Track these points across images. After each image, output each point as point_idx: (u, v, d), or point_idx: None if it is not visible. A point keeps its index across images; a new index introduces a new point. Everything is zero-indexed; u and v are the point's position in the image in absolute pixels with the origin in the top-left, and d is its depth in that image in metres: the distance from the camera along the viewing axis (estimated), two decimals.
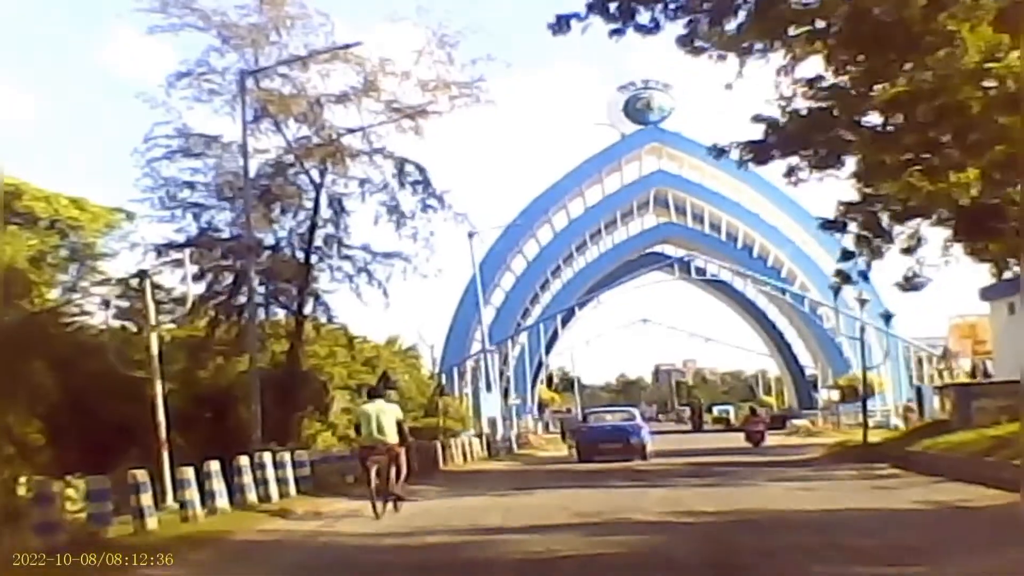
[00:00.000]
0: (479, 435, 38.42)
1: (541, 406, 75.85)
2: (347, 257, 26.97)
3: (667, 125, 75.86)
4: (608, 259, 76.14)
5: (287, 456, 17.46)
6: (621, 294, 74.40)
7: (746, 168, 23.58)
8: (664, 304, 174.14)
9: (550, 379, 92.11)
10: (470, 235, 44.75)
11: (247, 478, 15.47)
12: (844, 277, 27.20)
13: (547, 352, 78.04)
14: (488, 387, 45.00)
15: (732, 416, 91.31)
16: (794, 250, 70.26)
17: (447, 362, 58.44)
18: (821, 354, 70.08)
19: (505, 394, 56.84)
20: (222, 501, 14.33)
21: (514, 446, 41.18)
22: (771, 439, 40.26)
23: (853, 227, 23.12)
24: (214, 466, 14.28)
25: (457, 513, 14.00)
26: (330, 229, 26.64)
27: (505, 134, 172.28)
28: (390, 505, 13.98)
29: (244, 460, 15.68)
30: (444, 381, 57.10)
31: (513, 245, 75.20)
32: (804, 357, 78.82)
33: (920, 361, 61.42)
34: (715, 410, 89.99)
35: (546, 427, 69.02)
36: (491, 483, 20.90)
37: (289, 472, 17.10)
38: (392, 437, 13.80)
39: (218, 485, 14.26)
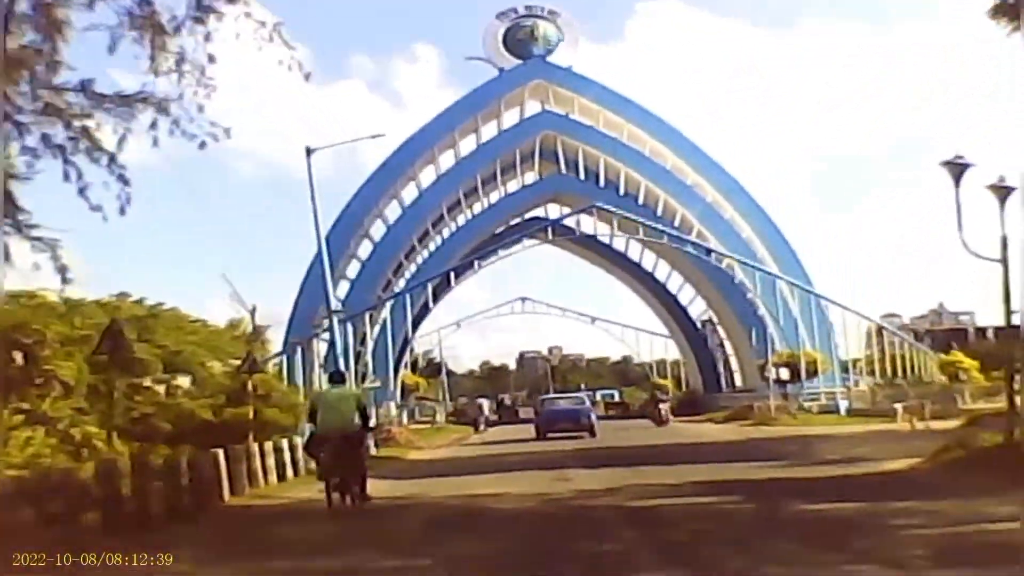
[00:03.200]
0: None
1: (404, 392, 64.17)
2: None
3: (555, 59, 64.37)
4: (486, 221, 63.79)
5: None
6: (499, 265, 63.02)
7: None
8: (547, 278, 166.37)
9: (415, 363, 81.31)
10: (308, 151, 32.26)
11: None
12: None
13: (414, 329, 65.80)
14: (334, 366, 32.01)
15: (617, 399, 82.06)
16: (705, 209, 59.75)
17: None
18: (740, 328, 59.80)
19: (362, 378, 44.60)
20: None
21: (371, 446, 28.54)
22: (760, 433, 29.56)
23: None
24: None
25: None
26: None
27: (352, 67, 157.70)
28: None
29: None
30: (282, 361, 45.00)
31: (371, 206, 62.36)
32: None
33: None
34: (599, 395, 79.82)
35: (412, 416, 57.01)
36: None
37: None
38: (352, 424, 13.17)
39: None
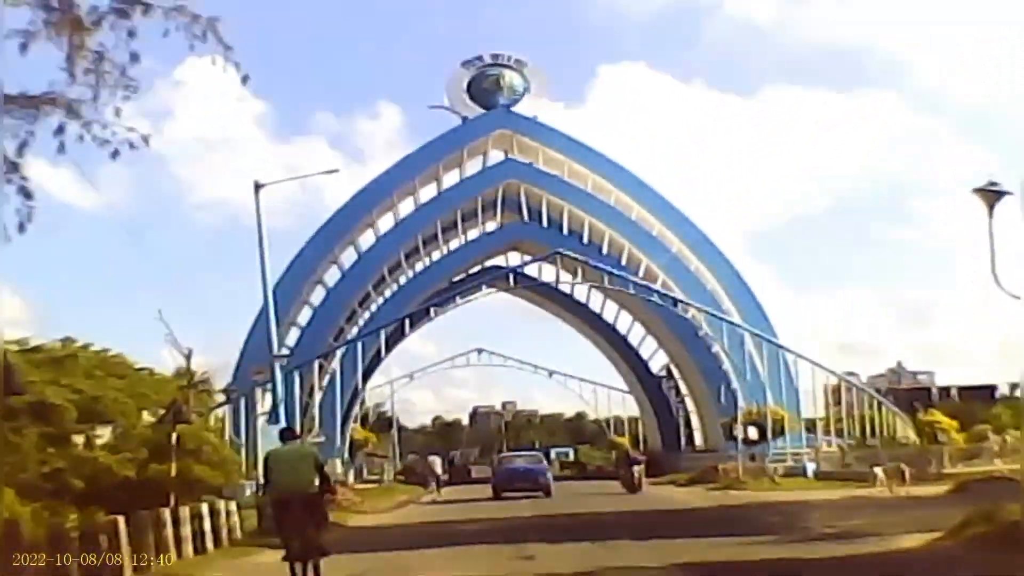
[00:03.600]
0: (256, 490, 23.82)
1: (353, 447, 61.37)
2: None
3: (520, 109, 62.94)
4: (444, 268, 61.63)
5: None
6: (455, 318, 60.91)
7: None
8: (504, 330, 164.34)
9: (365, 416, 78.57)
10: (257, 186, 30.15)
11: None
12: None
13: (365, 380, 63.18)
14: (274, 418, 29.48)
15: (572, 458, 79.62)
16: (670, 260, 58.17)
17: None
18: (704, 383, 57.95)
19: (307, 431, 42.03)
20: None
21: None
22: (731, 499, 27.36)
23: None
24: None
25: None
26: None
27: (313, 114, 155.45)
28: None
29: None
30: (226, 412, 42.33)
31: (326, 252, 60.13)
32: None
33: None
34: (553, 453, 77.38)
35: (360, 474, 54.15)
36: None
37: None
38: (312, 485, 12.18)
39: None
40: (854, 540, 14.66)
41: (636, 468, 35.99)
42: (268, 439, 27.14)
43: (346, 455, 57.17)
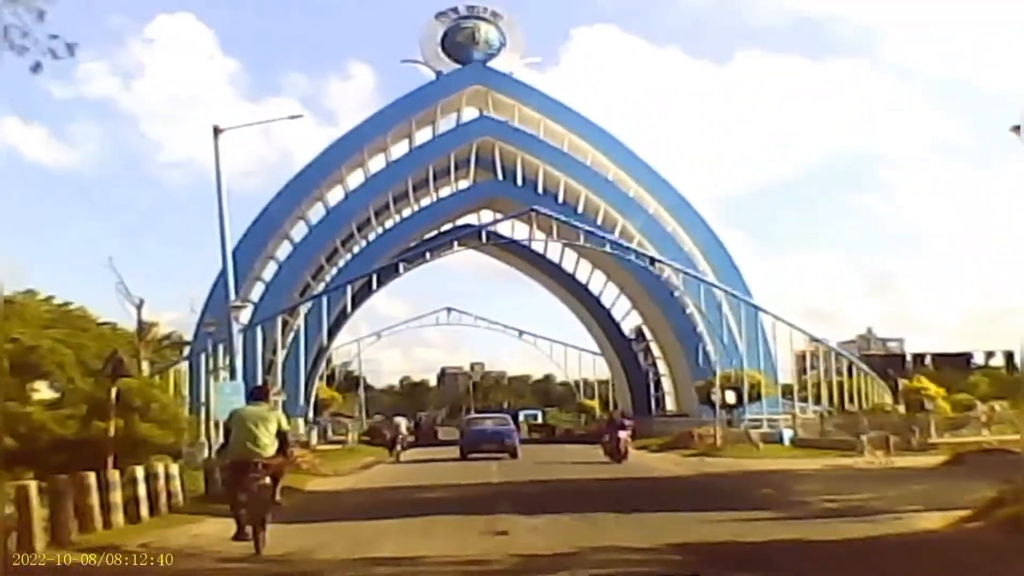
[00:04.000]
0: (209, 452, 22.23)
1: (318, 407, 59.53)
2: None
3: (496, 64, 60.73)
4: (415, 224, 59.73)
5: None
6: (425, 278, 59.11)
7: None
8: (474, 290, 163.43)
9: (332, 376, 77.04)
10: (216, 131, 28.13)
11: None
12: None
13: (330, 338, 61.41)
14: (232, 374, 27.65)
15: (541, 420, 78.58)
16: (647, 221, 56.59)
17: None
18: (678, 345, 56.68)
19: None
20: None
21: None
22: (710, 466, 25.90)
23: None
24: None
25: None
26: None
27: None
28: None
29: None
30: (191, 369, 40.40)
31: (293, 206, 58.04)
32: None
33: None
34: (521, 416, 76.17)
35: (324, 434, 52.51)
36: None
37: None
38: (271, 450, 11.46)
39: None
40: (865, 518, 13.15)
41: (623, 434, 31.51)
42: (221, 396, 25.45)
43: (311, 415, 55.58)
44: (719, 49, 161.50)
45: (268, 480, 11.48)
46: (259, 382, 45.43)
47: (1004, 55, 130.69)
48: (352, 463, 34.71)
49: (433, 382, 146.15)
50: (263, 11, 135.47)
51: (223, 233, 27.85)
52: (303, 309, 52.20)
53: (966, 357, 76.11)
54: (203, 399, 24.22)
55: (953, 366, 68.44)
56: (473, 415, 55.34)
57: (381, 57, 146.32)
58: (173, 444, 22.62)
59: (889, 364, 66.02)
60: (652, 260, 50.00)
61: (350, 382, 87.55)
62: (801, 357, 55.98)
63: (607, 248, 50.92)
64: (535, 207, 50.30)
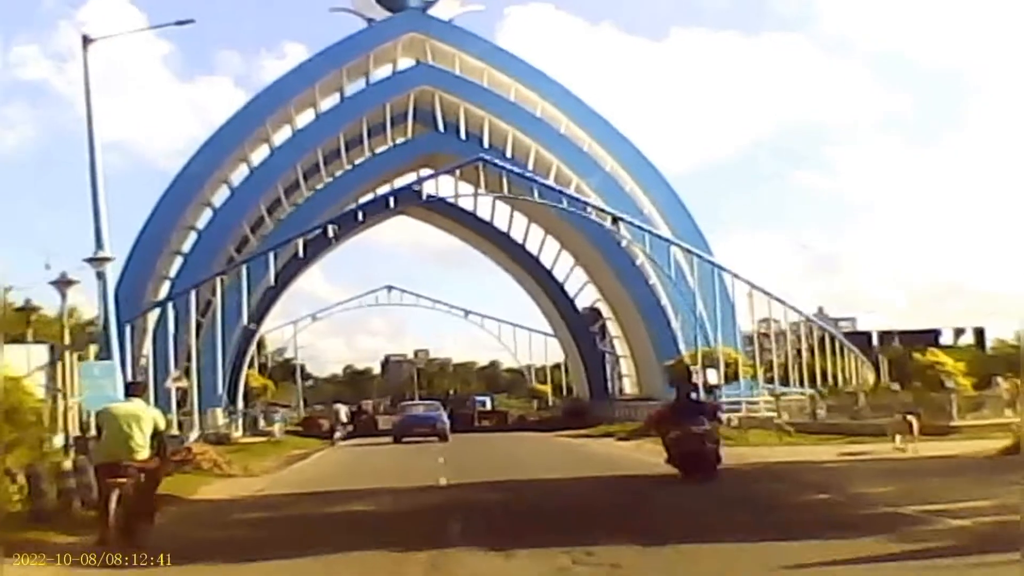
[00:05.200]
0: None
1: (248, 396, 54.07)
2: None
3: (435, 12, 54.99)
4: (348, 185, 53.66)
5: None
6: (363, 254, 53.52)
7: None
8: (415, 269, 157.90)
9: (264, 363, 71.54)
10: (86, 40, 22.34)
11: None
12: None
13: (260, 319, 55.50)
14: (110, 355, 21.81)
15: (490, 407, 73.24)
16: (604, 179, 51.35)
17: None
18: (641, 321, 51.63)
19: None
20: None
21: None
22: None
23: None
24: None
25: None
26: None
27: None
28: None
29: None
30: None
31: (212, 170, 51.82)
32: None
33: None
34: (479, 402, 71.26)
35: (253, 426, 46.82)
36: None
37: None
38: (146, 452, 10.70)
39: None
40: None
41: (706, 424, 17.96)
42: (88, 379, 19.89)
43: (238, 404, 49.94)
44: (655, 26, 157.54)
45: (139, 489, 10.43)
46: (171, 369, 39.75)
47: (946, 29, 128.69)
48: (271, 460, 29.26)
49: (377, 370, 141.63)
50: None
51: (94, 170, 22.09)
52: (222, 285, 45.51)
53: (934, 334, 72.97)
54: (59, 383, 18.40)
55: (924, 343, 64.80)
56: (406, 402, 58.73)
57: (315, 36, 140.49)
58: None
59: (854, 343, 62.23)
60: (614, 219, 44.54)
61: (287, 369, 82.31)
62: (763, 334, 52.02)
63: (563, 204, 45.54)
64: (482, 156, 44.90)
